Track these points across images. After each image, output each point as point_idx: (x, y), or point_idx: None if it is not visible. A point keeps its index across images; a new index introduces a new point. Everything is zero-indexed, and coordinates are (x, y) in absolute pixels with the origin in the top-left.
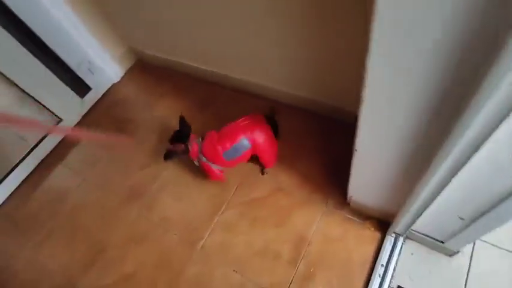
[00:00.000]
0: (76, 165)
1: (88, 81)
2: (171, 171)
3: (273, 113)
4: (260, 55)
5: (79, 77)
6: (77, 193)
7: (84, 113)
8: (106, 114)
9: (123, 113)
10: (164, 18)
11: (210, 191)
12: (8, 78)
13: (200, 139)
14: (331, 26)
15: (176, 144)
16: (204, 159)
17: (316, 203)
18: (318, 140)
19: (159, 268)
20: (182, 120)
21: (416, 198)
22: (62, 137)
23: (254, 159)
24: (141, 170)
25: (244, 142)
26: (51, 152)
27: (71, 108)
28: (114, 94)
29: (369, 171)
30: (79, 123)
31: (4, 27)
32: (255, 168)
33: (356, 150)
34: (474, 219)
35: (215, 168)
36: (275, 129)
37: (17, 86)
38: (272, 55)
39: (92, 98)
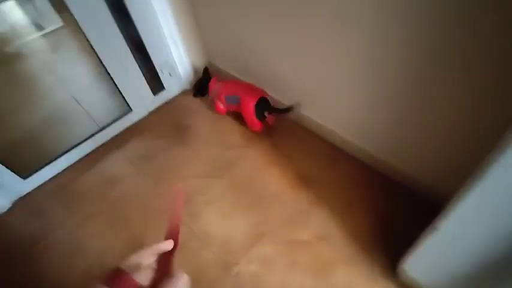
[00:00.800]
0: (133, 156)
1: (164, 81)
2: (221, 187)
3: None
4: (341, 102)
5: (158, 76)
6: (128, 183)
7: (151, 110)
8: (170, 116)
9: (186, 120)
10: (249, 43)
11: (255, 219)
12: (98, 56)
13: (220, 83)
14: (441, 99)
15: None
16: (215, 94)
17: (361, 265)
18: (375, 197)
19: None
20: (206, 70)
21: None
22: (128, 126)
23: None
24: (193, 178)
25: (237, 98)
26: (113, 137)
27: (143, 101)
28: (183, 100)
29: (443, 254)
30: (145, 118)
31: (116, 17)
32: (304, 208)
33: (436, 229)
34: None
35: (220, 104)
36: (268, 107)
37: (103, 65)
38: (353, 103)
39: (162, 97)
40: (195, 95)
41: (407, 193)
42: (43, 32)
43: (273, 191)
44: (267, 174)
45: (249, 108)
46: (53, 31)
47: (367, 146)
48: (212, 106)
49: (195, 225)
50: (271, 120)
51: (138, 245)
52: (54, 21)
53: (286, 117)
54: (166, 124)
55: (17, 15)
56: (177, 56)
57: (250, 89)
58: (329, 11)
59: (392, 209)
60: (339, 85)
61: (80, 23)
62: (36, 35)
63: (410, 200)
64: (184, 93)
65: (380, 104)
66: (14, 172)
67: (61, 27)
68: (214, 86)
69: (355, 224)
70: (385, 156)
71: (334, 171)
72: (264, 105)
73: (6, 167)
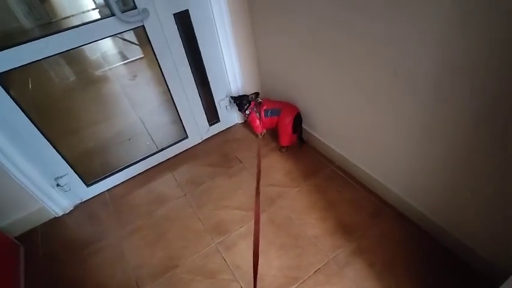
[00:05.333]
0: (183, 180)
1: (220, 114)
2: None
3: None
4: (390, 152)
5: (215, 108)
6: (174, 205)
7: (205, 138)
8: (220, 146)
9: (235, 152)
10: (305, 88)
11: (289, 261)
12: (167, 85)
13: (259, 98)
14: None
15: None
16: (255, 109)
17: None
18: (419, 260)
19: None
20: (245, 95)
21: None
22: (182, 151)
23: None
24: (233, 209)
25: (278, 111)
26: (168, 159)
27: (199, 130)
28: (234, 133)
29: None
30: (198, 145)
31: (187, 53)
32: (341, 258)
33: None
34: None
35: (257, 122)
36: (300, 127)
37: (170, 94)
38: (403, 156)
39: (216, 128)
40: (233, 98)
41: (457, 262)
42: (126, 61)
43: (311, 234)
44: (306, 217)
45: (288, 120)
46: (134, 61)
47: (416, 203)
48: (250, 123)
49: (229, 257)
50: (294, 140)
51: (172, 266)
52: (136, 53)
53: (330, 160)
54: (216, 153)
55: (108, 45)
56: (235, 92)
57: (290, 105)
58: (386, 71)
59: (439, 278)
60: (391, 137)
61: (157, 56)
62: (120, 62)
63: (461, 270)
64: (236, 126)
65: (433, 164)
66: (81, 179)
67: (140, 58)
68: (253, 102)
69: (395, 285)
70: (435, 217)
71: (378, 225)
72: (299, 120)
73: (77, 174)
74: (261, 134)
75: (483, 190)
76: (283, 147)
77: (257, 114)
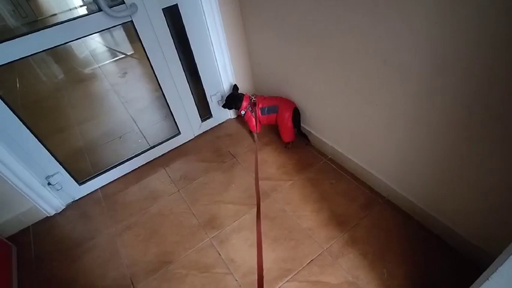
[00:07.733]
0: (176, 176)
1: (212, 109)
2: (252, 216)
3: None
4: (381, 146)
5: (207, 103)
6: (168, 201)
7: (197, 134)
8: (213, 142)
9: (228, 147)
10: (295, 80)
11: (283, 253)
12: (158, 82)
13: (253, 97)
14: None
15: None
16: (250, 109)
17: None
18: (411, 248)
19: None
20: (235, 87)
21: None
22: (175, 147)
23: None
24: (227, 203)
25: (276, 108)
26: (160, 156)
27: (191, 126)
28: (227, 128)
29: None
30: (190, 141)
31: (177, 48)
32: (335, 249)
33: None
34: None
35: (253, 122)
36: (298, 121)
37: (162, 91)
38: (393, 149)
39: (209, 124)
40: (223, 106)
41: (447, 248)
42: (116, 58)
43: (304, 227)
44: (300, 210)
45: (287, 115)
46: (124, 58)
47: (406, 193)
48: (247, 123)
49: (223, 251)
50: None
51: (167, 262)
52: (127, 49)
53: (322, 153)
54: (209, 149)
55: (97, 42)
56: (227, 88)
57: (286, 100)
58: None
59: (429, 263)
60: (380, 129)
61: (147, 52)
62: (109, 60)
63: (450, 256)
64: (229, 122)
65: (420, 153)
66: (73, 178)
67: (131, 55)
68: (246, 102)
69: (387, 273)
70: (426, 206)
71: (370, 215)
72: (298, 115)
73: (68, 173)
74: (256, 133)
75: (467, 180)
76: (288, 143)
77: (253, 113)
